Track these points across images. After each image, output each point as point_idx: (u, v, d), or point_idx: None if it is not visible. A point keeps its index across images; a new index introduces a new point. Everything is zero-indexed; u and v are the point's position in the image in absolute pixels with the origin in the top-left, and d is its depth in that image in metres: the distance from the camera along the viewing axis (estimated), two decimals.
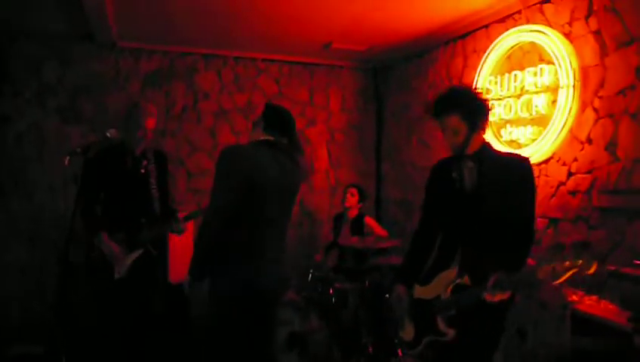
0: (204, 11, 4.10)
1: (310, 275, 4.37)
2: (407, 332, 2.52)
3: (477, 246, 2.26)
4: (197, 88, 5.03)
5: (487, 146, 2.36)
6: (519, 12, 3.71)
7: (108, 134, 2.69)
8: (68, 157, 2.51)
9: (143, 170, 3.19)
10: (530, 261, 2.26)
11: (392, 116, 5.53)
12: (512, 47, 3.74)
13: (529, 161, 2.30)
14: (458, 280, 2.26)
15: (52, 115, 4.56)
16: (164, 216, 3.19)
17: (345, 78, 5.56)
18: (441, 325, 2.30)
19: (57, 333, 3.35)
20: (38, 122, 4.53)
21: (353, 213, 4.72)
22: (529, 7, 3.61)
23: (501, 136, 3.81)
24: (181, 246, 4.33)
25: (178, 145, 4.95)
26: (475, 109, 2.30)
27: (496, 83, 3.86)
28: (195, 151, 5.03)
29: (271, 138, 2.71)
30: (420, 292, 2.47)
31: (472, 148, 2.29)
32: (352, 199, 4.72)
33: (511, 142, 3.73)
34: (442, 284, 2.33)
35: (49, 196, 4.50)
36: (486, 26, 4.09)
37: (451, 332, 2.27)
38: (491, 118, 3.81)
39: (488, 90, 3.92)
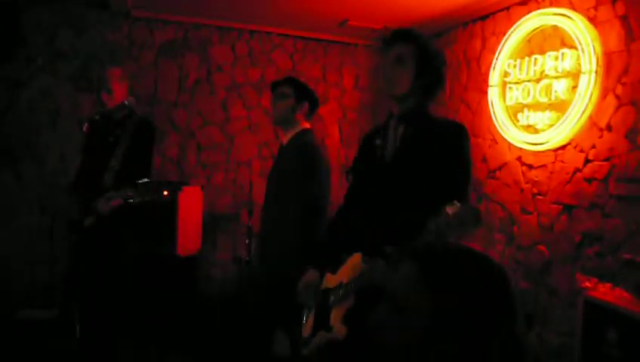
0: None
1: None
2: (307, 327, 2.15)
3: (388, 223, 1.91)
4: (211, 61, 4.99)
5: (422, 107, 2.03)
6: None
7: (126, 102, 2.67)
8: (86, 124, 2.51)
9: (111, 139, 3.08)
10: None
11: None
12: (533, 30, 3.68)
13: (465, 129, 2.00)
14: (361, 265, 1.90)
15: (65, 82, 4.52)
16: (116, 188, 2.99)
17: (359, 56, 5.50)
18: (334, 320, 1.91)
19: (70, 302, 3.37)
20: (51, 88, 4.50)
21: None
22: None
23: (517, 121, 3.77)
24: (189, 221, 4.33)
25: (189, 117, 4.93)
26: (431, 56, 2.00)
27: (515, 66, 3.80)
28: (207, 125, 5.00)
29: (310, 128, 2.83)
30: (329, 281, 2.10)
31: (403, 106, 2.00)
32: None
33: (528, 127, 3.70)
34: (346, 270, 1.98)
35: (60, 163, 4.49)
36: (507, 8, 4.02)
37: (341, 330, 1.87)
38: (509, 101, 3.85)
39: (506, 73, 3.88)
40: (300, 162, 2.72)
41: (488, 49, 4.22)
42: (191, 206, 4.38)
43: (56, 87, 4.52)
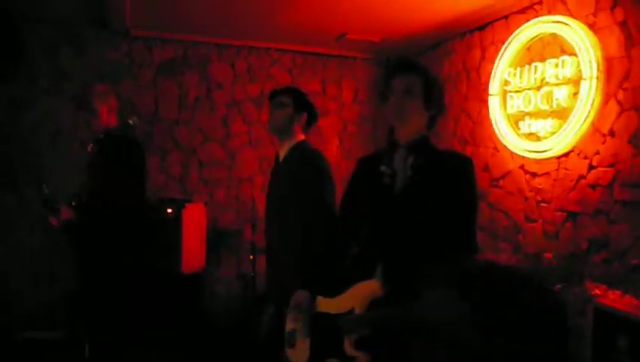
0: (218, 0, 4.08)
1: None
2: (299, 352, 2.10)
3: (404, 256, 1.92)
4: (210, 78, 5.00)
5: (426, 138, 2.05)
6: (540, 2, 3.67)
7: (130, 121, 2.68)
8: (91, 145, 2.51)
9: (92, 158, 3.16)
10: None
11: None
12: (532, 39, 3.69)
13: (472, 162, 2.02)
14: (379, 294, 1.89)
15: (66, 101, 4.53)
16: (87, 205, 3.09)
17: (358, 70, 5.52)
18: (349, 348, 1.90)
19: (78, 320, 3.35)
20: (52, 109, 4.51)
21: None
22: None
23: (519, 129, 3.77)
24: (193, 238, 4.32)
25: (191, 135, 4.93)
26: (436, 87, 2.04)
27: (515, 75, 3.81)
28: (208, 141, 5.01)
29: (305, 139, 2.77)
30: (325, 305, 2.07)
31: (411, 136, 2.00)
32: None
33: (530, 135, 3.70)
34: (358, 298, 1.94)
35: (61, 183, 4.47)
36: (505, 17, 4.04)
37: (362, 358, 1.86)
38: (510, 110, 3.85)
39: (507, 82, 3.88)
40: (307, 170, 2.65)
41: (487, 58, 4.23)
42: (195, 223, 4.37)
43: (57, 107, 4.52)
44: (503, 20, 4.08)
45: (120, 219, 2.99)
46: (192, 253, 4.32)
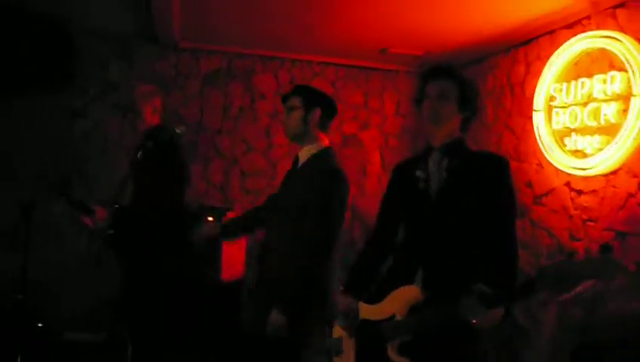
0: (263, 13, 4.17)
1: None
2: (347, 360, 2.10)
3: (443, 260, 1.93)
4: (254, 89, 5.10)
5: (461, 140, 2.04)
6: (589, 17, 3.61)
7: (178, 130, 2.75)
8: (140, 152, 2.59)
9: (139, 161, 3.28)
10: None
11: None
12: (579, 54, 3.63)
13: (507, 161, 2.00)
14: (420, 299, 1.90)
15: (115, 112, 4.68)
16: None
17: (401, 83, 5.52)
18: (392, 354, 1.90)
19: (122, 322, 3.44)
20: (102, 118, 4.67)
21: None
22: (601, 12, 3.50)
23: (565, 145, 3.70)
24: (234, 246, 4.38)
25: (233, 144, 5.03)
26: (470, 90, 2.04)
27: (560, 90, 3.75)
28: (250, 151, 5.09)
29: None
30: (366, 311, 2.07)
31: (444, 139, 2.00)
32: None
33: (575, 152, 3.62)
34: (398, 303, 1.95)
35: (108, 191, 4.62)
36: (551, 32, 3.98)
37: None
38: (555, 126, 3.79)
39: (552, 97, 3.82)
40: (320, 192, 2.47)
41: (532, 73, 4.17)
42: None
43: (106, 117, 4.68)
44: (549, 36, 4.02)
45: (164, 224, 3.06)
46: (232, 261, 4.38)
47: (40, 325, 3.91)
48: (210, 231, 2.88)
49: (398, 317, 1.93)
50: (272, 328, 2.38)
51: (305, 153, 2.64)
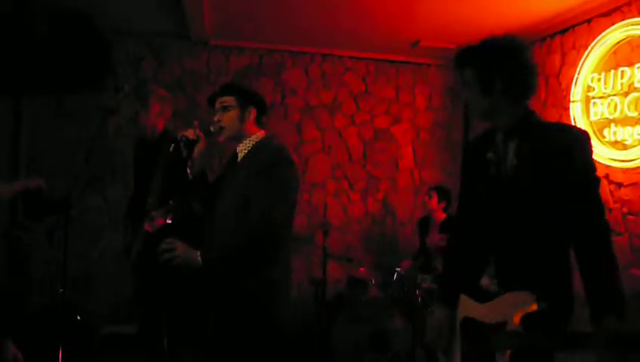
0: (293, 8, 4.17)
1: (395, 274, 4.30)
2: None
3: (516, 250, 1.81)
4: (284, 85, 5.10)
5: (532, 115, 1.88)
6: (629, 4, 3.50)
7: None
8: (173, 145, 2.59)
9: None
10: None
11: None
12: (618, 42, 3.54)
13: (585, 136, 1.83)
14: (534, 310, 1.71)
15: (148, 109, 4.73)
16: None
17: (432, 76, 5.46)
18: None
19: (150, 317, 3.48)
20: (135, 115, 4.73)
21: (439, 215, 4.58)
22: None
23: (604, 137, 3.61)
24: None
25: None
26: (491, 66, 1.83)
27: (599, 80, 3.66)
28: None
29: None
30: (473, 309, 1.92)
31: (511, 117, 1.86)
32: (431, 202, 4.59)
33: (615, 143, 3.53)
34: (509, 309, 1.76)
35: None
36: (588, 21, 3.88)
37: None
38: (593, 117, 3.69)
39: (590, 88, 3.73)
40: (270, 175, 2.34)
41: (569, 64, 4.07)
42: None
43: (139, 113, 4.74)
44: (586, 24, 3.91)
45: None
46: None
47: (79, 318, 3.99)
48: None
49: (510, 326, 1.74)
50: None
51: (244, 147, 2.52)
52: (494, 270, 1.86)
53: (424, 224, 4.73)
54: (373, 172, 5.30)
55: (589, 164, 1.81)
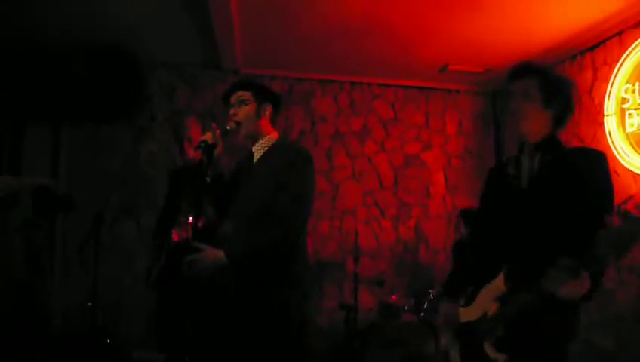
0: (321, 38, 4.28)
1: (428, 297, 4.18)
2: None
3: (530, 254, 1.88)
4: (314, 112, 5.16)
5: (554, 137, 2.00)
6: None
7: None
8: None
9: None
10: None
11: (511, 140, 5.28)
12: None
13: (603, 156, 1.92)
14: (503, 291, 1.88)
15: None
16: None
17: (462, 102, 5.45)
18: (490, 351, 1.88)
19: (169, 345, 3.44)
20: (168, 144, 4.83)
21: None
22: None
23: None
24: None
25: None
26: (557, 85, 1.98)
27: (633, 91, 3.58)
28: None
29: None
30: (464, 314, 2.08)
31: (536, 137, 1.97)
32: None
33: None
34: (487, 299, 1.95)
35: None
36: (619, 34, 3.84)
37: (502, 359, 1.85)
38: (629, 129, 3.59)
39: (624, 100, 3.65)
40: (294, 174, 2.36)
41: (601, 79, 4.01)
42: None
43: (172, 142, 4.84)
44: (617, 38, 3.87)
45: None
46: None
47: (109, 341, 3.96)
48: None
49: (490, 314, 1.92)
50: None
51: (260, 147, 2.51)
52: (507, 271, 1.90)
53: (457, 248, 4.62)
54: (405, 198, 5.24)
55: (601, 182, 1.89)
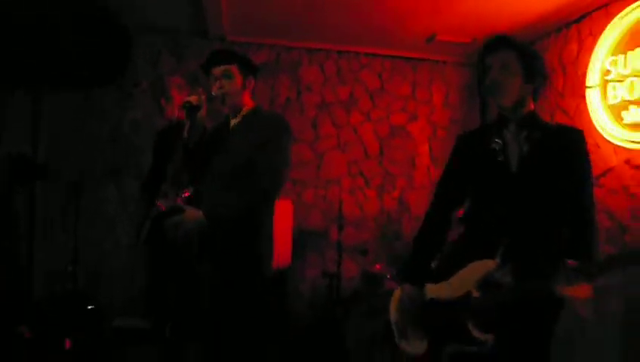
0: (309, 5, 4.23)
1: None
2: (414, 342, 2.07)
3: (526, 234, 1.89)
4: (301, 81, 5.13)
5: (536, 113, 2.02)
6: None
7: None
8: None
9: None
10: None
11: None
12: (636, 22, 3.47)
13: (583, 134, 2.00)
14: (498, 274, 1.85)
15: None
16: None
17: (449, 74, 5.44)
18: (475, 331, 1.86)
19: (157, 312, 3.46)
20: (152, 111, 4.80)
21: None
22: None
23: (622, 119, 3.53)
24: (280, 235, 4.35)
25: None
26: (535, 59, 2.00)
27: (615, 63, 3.59)
28: (297, 142, 5.07)
29: None
30: (434, 291, 2.03)
31: (518, 111, 1.98)
32: None
33: (634, 126, 3.45)
34: (473, 279, 1.90)
35: None
36: (605, 6, 3.83)
37: (490, 339, 1.83)
38: (612, 100, 3.61)
39: (607, 72, 3.66)
40: (272, 131, 2.45)
41: (585, 51, 4.02)
42: (281, 220, 4.42)
43: (156, 109, 4.81)
44: (603, 10, 3.86)
45: None
46: (278, 250, 4.33)
47: (90, 307, 3.98)
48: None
49: (475, 294, 1.88)
50: None
51: (239, 117, 2.60)
52: (503, 252, 1.87)
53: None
54: (390, 169, 5.26)
55: (588, 160, 1.98)
